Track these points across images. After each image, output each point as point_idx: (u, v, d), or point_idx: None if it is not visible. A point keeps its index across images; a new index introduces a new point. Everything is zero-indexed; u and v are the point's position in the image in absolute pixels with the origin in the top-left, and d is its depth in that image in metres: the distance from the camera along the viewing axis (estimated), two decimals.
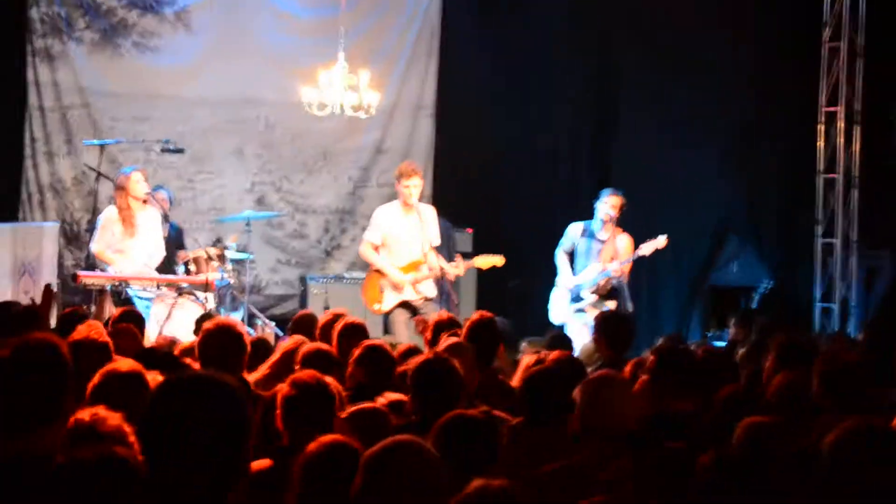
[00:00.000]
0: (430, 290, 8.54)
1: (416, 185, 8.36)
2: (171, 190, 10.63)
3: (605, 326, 6.05)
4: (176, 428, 2.22)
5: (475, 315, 5.78)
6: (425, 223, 8.45)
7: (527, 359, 5.53)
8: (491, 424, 3.43)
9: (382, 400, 4.26)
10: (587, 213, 8.96)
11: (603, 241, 8.82)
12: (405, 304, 8.47)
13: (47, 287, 5.61)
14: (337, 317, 6.13)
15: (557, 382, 3.98)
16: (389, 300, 8.48)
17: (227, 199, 11.68)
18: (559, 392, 3.90)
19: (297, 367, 4.69)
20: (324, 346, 4.94)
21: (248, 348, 4.52)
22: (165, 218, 9.70)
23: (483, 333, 5.55)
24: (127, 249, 8.55)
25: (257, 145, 11.77)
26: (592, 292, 8.79)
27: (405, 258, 8.48)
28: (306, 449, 2.93)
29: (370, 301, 8.52)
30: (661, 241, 8.61)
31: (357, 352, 4.78)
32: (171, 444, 2.22)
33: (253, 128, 11.72)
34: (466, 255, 9.25)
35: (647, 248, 8.65)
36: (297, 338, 5.49)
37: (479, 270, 9.16)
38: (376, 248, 8.51)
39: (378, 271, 8.50)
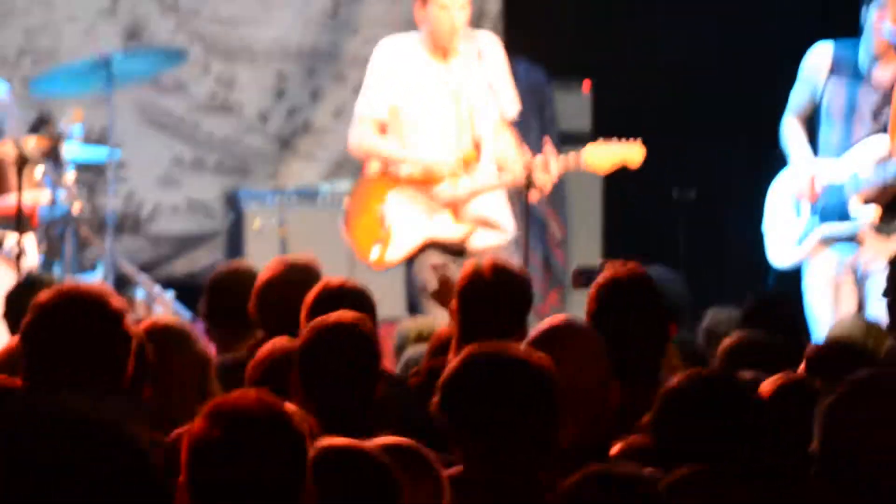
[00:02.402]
0: (503, 215, 8.80)
1: (460, 6, 8.62)
2: None
3: None
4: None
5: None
6: (480, 76, 8.71)
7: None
8: (658, 495, 3.85)
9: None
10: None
11: (883, 87, 8.96)
12: (438, 247, 8.72)
13: None
14: (306, 271, 6.55)
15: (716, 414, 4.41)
16: (403, 239, 8.70)
17: (62, 32, 11.91)
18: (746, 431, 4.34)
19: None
20: (281, 342, 5.53)
21: (134, 346, 4.93)
22: None
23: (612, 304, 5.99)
24: None
25: None
26: (867, 201, 8.92)
27: (439, 151, 8.78)
28: None
29: (362, 243, 8.85)
30: None
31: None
32: None
33: None
34: (575, 139, 9.98)
35: None
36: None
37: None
38: (383, 130, 8.95)
39: (379, 180, 8.84)
